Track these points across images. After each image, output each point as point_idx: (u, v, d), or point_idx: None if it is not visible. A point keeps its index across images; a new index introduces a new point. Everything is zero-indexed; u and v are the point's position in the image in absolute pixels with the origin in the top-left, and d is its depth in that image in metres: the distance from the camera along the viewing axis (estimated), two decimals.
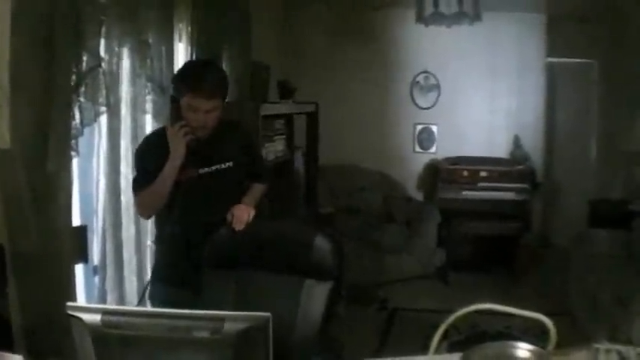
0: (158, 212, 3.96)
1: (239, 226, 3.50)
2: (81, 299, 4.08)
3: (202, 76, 3.75)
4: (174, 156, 3.72)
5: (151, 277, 4.07)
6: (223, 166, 3.92)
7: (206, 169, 3.87)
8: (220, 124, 3.86)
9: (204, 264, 3.43)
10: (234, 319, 1.85)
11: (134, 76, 4.43)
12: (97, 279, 4.26)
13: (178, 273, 3.85)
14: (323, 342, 3.23)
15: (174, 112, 3.88)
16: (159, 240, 4.10)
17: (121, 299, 4.36)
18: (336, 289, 3.27)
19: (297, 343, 3.18)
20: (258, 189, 4.16)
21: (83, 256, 4.07)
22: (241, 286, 3.32)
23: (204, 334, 1.83)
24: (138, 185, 3.84)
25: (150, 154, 3.84)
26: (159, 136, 3.90)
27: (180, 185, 3.78)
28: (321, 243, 3.29)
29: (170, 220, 3.90)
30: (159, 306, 3.87)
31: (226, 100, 3.93)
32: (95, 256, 4.25)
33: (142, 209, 3.99)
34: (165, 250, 4.03)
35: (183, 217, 3.85)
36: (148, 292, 3.99)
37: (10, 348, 2.84)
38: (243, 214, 3.58)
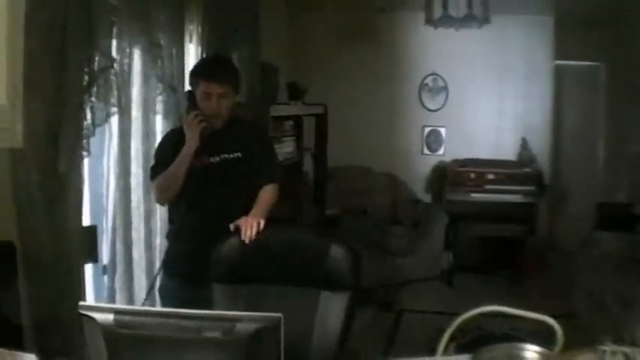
0: (171, 203, 4.16)
1: (247, 239, 3.40)
2: (90, 299, 4.10)
3: (214, 64, 4.35)
4: (189, 142, 3.96)
5: (162, 271, 4.17)
6: (231, 156, 4.06)
7: (216, 159, 4.05)
8: (234, 119, 4.15)
9: (212, 279, 3.33)
10: (246, 320, 1.86)
11: (145, 77, 4.46)
12: (106, 278, 4.28)
13: (186, 266, 3.98)
14: (342, 355, 3.12)
15: (190, 104, 4.07)
16: (169, 233, 4.27)
17: (131, 299, 4.38)
18: (354, 300, 3.15)
19: (315, 357, 3.08)
20: (268, 195, 4.05)
21: (93, 255, 4.10)
22: (253, 301, 3.18)
23: (216, 334, 1.84)
24: (155, 172, 4.09)
25: (167, 146, 4.11)
26: (177, 131, 4.16)
27: (192, 173, 3.95)
28: (337, 253, 3.18)
29: (180, 211, 4.10)
30: (167, 300, 4.06)
31: (237, 101, 4.04)
32: (105, 255, 4.27)
33: (159, 193, 4.15)
34: (174, 243, 4.19)
35: (193, 207, 4.04)
36: (157, 286, 4.15)
37: (21, 347, 2.86)
38: (250, 226, 3.45)
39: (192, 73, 4.18)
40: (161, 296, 4.15)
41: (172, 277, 4.09)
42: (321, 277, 3.20)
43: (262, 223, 3.51)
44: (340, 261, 3.19)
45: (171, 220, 4.29)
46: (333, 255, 3.19)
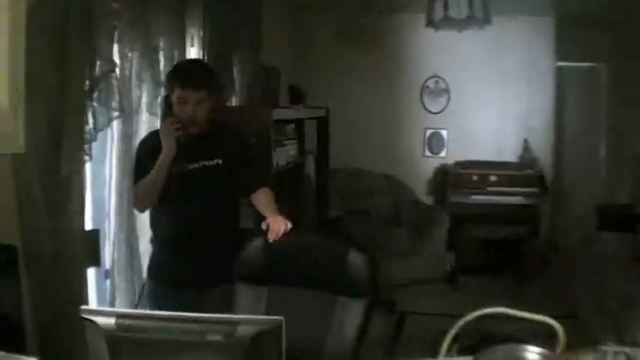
0: (152, 210, 4.15)
1: (272, 239, 3.44)
2: (92, 303, 4.10)
3: (189, 70, 4.14)
4: (165, 150, 3.90)
5: (147, 276, 4.22)
6: (211, 162, 4.03)
7: (195, 165, 4.00)
8: (215, 124, 4.08)
9: (236, 279, 3.38)
10: (248, 323, 1.86)
11: (146, 80, 4.46)
12: (108, 282, 4.28)
13: (169, 272, 4.05)
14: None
15: (166, 110, 4.03)
16: (152, 239, 4.28)
17: (132, 303, 4.38)
18: (371, 307, 3.14)
19: None
20: (269, 196, 4.07)
21: (95, 259, 4.10)
22: (272, 302, 3.22)
23: (218, 337, 1.84)
24: (134, 179, 4.05)
25: (145, 152, 4.05)
26: (155, 135, 4.08)
27: (172, 181, 3.92)
28: (355, 258, 3.16)
29: (160, 218, 4.10)
30: (151, 304, 4.11)
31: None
32: (107, 259, 4.28)
33: (136, 201, 4.14)
34: (156, 249, 4.21)
35: (173, 215, 4.01)
36: (144, 291, 4.17)
37: (23, 350, 2.86)
38: (280, 226, 3.50)
39: (169, 77, 4.12)
40: (147, 299, 4.16)
41: (156, 282, 4.12)
42: (339, 282, 3.19)
43: (289, 225, 3.54)
44: (359, 267, 3.17)
45: (152, 226, 4.24)
46: (352, 261, 3.17)
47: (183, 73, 4.02)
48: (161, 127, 4.03)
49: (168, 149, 3.89)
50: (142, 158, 4.03)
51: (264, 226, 3.54)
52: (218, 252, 3.90)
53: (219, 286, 3.75)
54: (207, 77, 4.07)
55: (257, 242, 3.44)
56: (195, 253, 3.94)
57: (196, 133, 3.97)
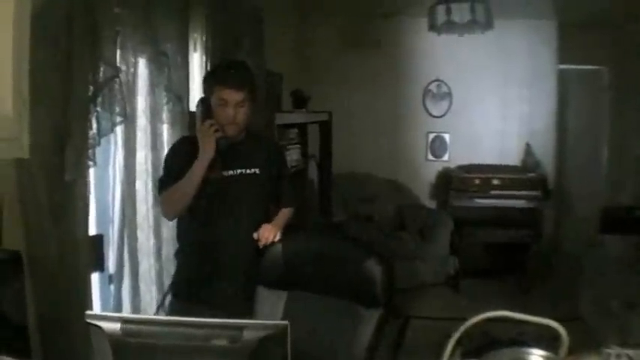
0: (180, 220, 4.00)
1: (262, 244, 3.66)
2: (96, 308, 4.09)
3: (231, 70, 3.99)
4: (203, 153, 3.73)
5: (171, 292, 4.02)
6: (249, 171, 3.91)
7: (230, 172, 3.86)
8: (251, 133, 4.02)
9: (260, 282, 3.43)
10: (253, 328, 1.86)
11: (151, 86, 4.45)
12: (112, 288, 4.28)
13: (197, 288, 3.86)
14: None
15: (204, 112, 3.82)
16: (179, 252, 4.08)
17: (137, 308, 4.38)
18: (385, 318, 3.10)
19: None
20: (285, 214, 4.07)
21: (100, 264, 4.10)
22: (290, 307, 3.25)
23: (224, 342, 1.84)
24: (164, 184, 3.87)
25: (178, 156, 3.90)
26: (188, 140, 3.96)
27: (204, 187, 3.75)
28: (372, 267, 3.13)
29: (190, 228, 3.93)
30: None
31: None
32: (111, 264, 4.28)
33: (167, 208, 3.96)
34: (185, 263, 4.00)
35: (204, 225, 3.84)
36: (167, 306, 4.01)
37: (28, 356, 2.86)
38: (268, 234, 3.71)
39: (208, 78, 3.99)
40: None
41: (183, 300, 3.90)
42: (354, 290, 3.18)
43: (278, 234, 3.71)
44: (374, 276, 3.14)
45: (179, 238, 4.09)
46: (368, 269, 3.15)
47: (225, 74, 3.91)
48: (199, 128, 3.83)
49: (207, 151, 3.72)
50: (174, 163, 3.89)
51: (255, 236, 3.69)
52: (252, 268, 3.72)
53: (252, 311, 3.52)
54: (249, 78, 3.95)
55: (277, 247, 3.52)
56: (226, 268, 3.84)
57: (234, 139, 3.86)
